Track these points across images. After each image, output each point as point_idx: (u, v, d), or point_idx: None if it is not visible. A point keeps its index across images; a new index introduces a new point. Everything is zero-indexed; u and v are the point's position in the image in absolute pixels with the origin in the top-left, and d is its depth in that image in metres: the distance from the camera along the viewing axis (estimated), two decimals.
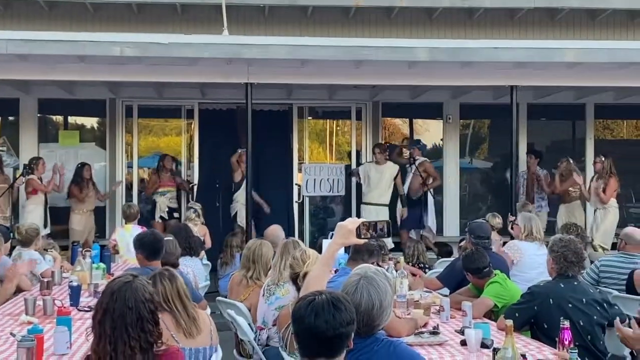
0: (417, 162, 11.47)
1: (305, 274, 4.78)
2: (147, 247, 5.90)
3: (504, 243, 7.82)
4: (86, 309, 5.74)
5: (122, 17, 12.25)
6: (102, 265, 7.14)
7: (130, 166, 12.21)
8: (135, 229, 8.76)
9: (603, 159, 10.92)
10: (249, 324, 5.59)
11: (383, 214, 10.88)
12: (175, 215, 11.39)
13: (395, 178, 11.35)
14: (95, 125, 12.78)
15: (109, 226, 11.85)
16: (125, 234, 8.94)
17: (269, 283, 5.51)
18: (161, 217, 11.33)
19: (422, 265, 8.53)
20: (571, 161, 11.39)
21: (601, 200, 10.77)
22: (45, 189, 10.63)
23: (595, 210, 11.06)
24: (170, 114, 12.72)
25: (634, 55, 9.60)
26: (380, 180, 11.21)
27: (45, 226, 10.48)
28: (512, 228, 8.11)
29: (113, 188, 11.69)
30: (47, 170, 10.77)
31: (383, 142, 12.00)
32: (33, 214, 10.41)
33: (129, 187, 12.11)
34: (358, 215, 11.10)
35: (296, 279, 4.89)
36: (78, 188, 10.94)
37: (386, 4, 12.64)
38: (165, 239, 6.27)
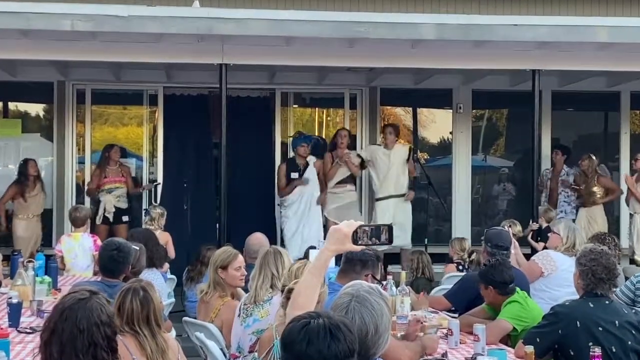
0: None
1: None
2: (106, 260, 5.89)
3: (527, 255, 7.81)
4: (28, 330, 5.71)
5: None
6: (48, 278, 7.09)
7: (82, 162, 12.18)
8: (85, 238, 8.69)
9: None
10: (221, 349, 5.58)
11: (403, 208, 10.94)
12: (125, 218, 11.22)
13: (407, 161, 11.31)
14: (41, 113, 12.76)
15: (56, 232, 11.82)
16: (72, 243, 8.82)
17: (245, 302, 5.49)
18: (105, 219, 11.10)
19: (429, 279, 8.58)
20: (594, 158, 11.42)
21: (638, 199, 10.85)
22: None
23: (631, 216, 11.10)
24: (130, 101, 12.72)
25: None
26: (390, 167, 11.19)
27: None
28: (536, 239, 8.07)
29: (147, 188, 11.72)
30: None
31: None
32: None
33: (81, 187, 12.04)
34: (370, 219, 11.13)
35: (288, 296, 4.88)
36: (21, 188, 10.88)
37: None
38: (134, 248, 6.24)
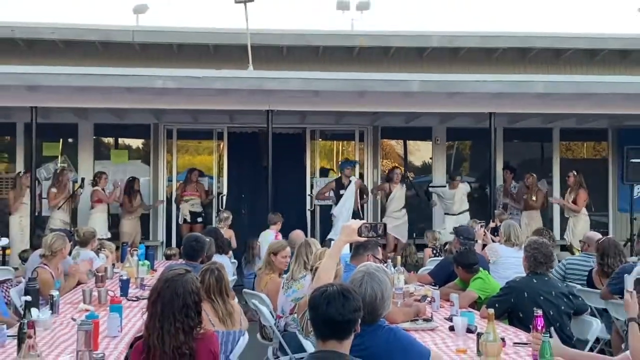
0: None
1: None
2: (188, 248, 5.93)
3: (484, 245, 7.75)
4: (134, 299, 5.75)
5: (164, 55, 12.34)
6: (147, 262, 7.15)
7: (170, 180, 12.22)
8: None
9: (575, 173, 10.91)
10: (269, 312, 5.58)
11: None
12: (199, 219, 11.33)
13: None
14: (141, 146, 12.81)
15: (152, 230, 11.89)
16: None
17: (287, 278, 5.50)
18: (185, 220, 11.26)
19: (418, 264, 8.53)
20: (535, 176, 11.40)
21: (573, 210, 10.74)
22: (107, 200, 10.74)
23: (568, 219, 11.01)
24: (204, 136, 12.71)
25: (592, 87, 9.61)
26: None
27: (108, 230, 10.59)
28: (493, 233, 8.01)
29: (156, 205, 11.71)
30: (108, 183, 10.89)
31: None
32: (98, 220, 10.46)
33: (169, 198, 12.13)
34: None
35: (315, 270, 4.91)
36: (128, 198, 11.00)
37: (384, 44, 12.70)
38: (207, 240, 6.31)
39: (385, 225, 3.80)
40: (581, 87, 9.61)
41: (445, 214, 11.45)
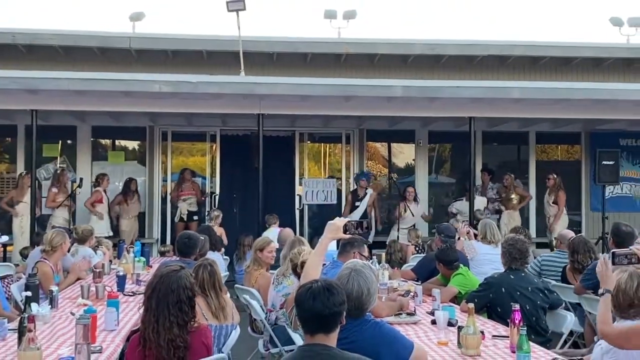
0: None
1: (302, 263, 4.80)
2: (181, 245, 5.90)
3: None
4: (130, 294, 5.72)
5: (160, 61, 12.27)
6: (143, 259, 7.13)
7: (164, 180, 12.19)
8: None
9: (555, 176, 10.95)
10: (260, 306, 5.57)
11: None
12: (195, 218, 11.27)
13: None
14: (137, 147, 12.74)
15: (148, 228, 11.84)
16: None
17: (278, 274, 5.49)
18: (181, 219, 11.20)
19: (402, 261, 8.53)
20: (512, 176, 11.45)
21: (554, 209, 10.79)
22: (91, 208, 10.57)
23: (548, 218, 11.05)
24: (197, 139, 12.66)
25: (566, 93, 9.65)
26: None
27: (109, 229, 10.53)
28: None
29: (205, 197, 11.66)
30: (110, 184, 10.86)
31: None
32: (99, 219, 10.40)
33: (164, 197, 12.08)
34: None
35: (295, 268, 4.90)
36: (125, 198, 10.94)
37: (370, 51, 12.71)
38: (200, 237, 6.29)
39: (369, 222, 3.85)
40: (556, 93, 9.65)
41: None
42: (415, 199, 11.27)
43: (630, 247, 3.93)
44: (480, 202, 11.04)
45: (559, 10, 34.26)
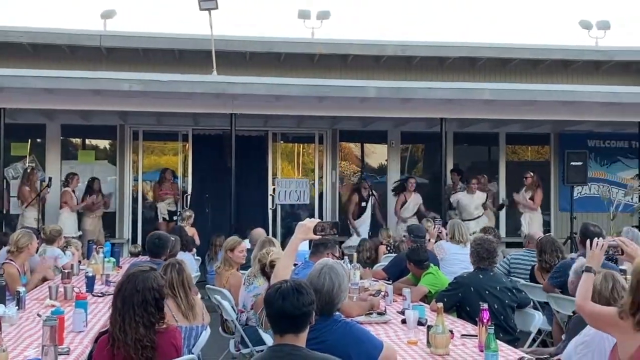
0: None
1: (270, 263, 4.79)
2: (151, 246, 5.85)
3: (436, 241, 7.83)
4: (99, 294, 5.66)
5: (131, 59, 12.14)
6: (112, 259, 7.05)
7: (135, 180, 12.06)
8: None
9: (532, 174, 11.09)
10: (231, 306, 5.55)
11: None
12: (174, 218, 11.22)
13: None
14: (108, 146, 12.60)
15: (118, 228, 11.72)
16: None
17: (249, 274, 5.47)
18: (163, 219, 11.15)
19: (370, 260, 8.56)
20: (486, 177, 11.57)
21: (530, 207, 10.90)
22: (72, 206, 10.43)
23: (522, 214, 11.14)
24: (169, 138, 12.55)
25: (536, 95, 9.79)
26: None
27: (78, 229, 10.39)
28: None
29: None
30: (80, 184, 10.71)
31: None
32: (67, 219, 10.26)
33: (135, 197, 11.97)
34: None
35: (263, 268, 4.89)
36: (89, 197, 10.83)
37: (343, 52, 12.74)
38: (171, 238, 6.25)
39: (338, 224, 3.85)
40: (525, 95, 9.79)
41: (463, 220, 11.34)
42: (415, 190, 11.36)
43: (615, 239, 4.02)
44: (480, 194, 11.14)
45: (530, 12, 34.72)
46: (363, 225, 11.22)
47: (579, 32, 15.28)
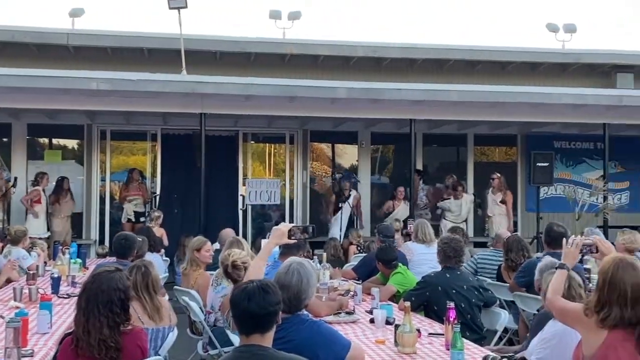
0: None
1: (233, 264, 4.76)
2: (117, 246, 5.78)
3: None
4: (65, 296, 5.57)
5: (99, 58, 11.99)
6: (79, 260, 6.96)
7: (103, 180, 11.93)
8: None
9: (499, 175, 11.20)
10: (199, 308, 5.51)
11: None
12: (142, 219, 11.09)
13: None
14: (75, 146, 12.43)
15: (85, 228, 11.56)
16: None
17: (217, 275, 5.44)
18: (128, 220, 11.02)
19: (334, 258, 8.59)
20: (455, 177, 11.68)
21: (508, 213, 11.03)
22: (26, 203, 10.25)
23: (489, 217, 11.26)
24: (138, 138, 12.44)
25: (503, 97, 9.92)
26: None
27: (47, 230, 10.23)
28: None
29: (148, 199, 11.38)
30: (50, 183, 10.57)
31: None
32: (35, 220, 10.09)
33: (103, 197, 11.82)
34: None
35: (226, 269, 4.87)
36: (57, 197, 10.65)
37: (313, 52, 12.75)
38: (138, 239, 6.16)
39: (314, 227, 3.88)
40: (492, 97, 9.91)
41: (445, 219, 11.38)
42: (405, 199, 11.35)
43: (591, 237, 4.09)
44: (467, 199, 11.30)
45: (498, 15, 35.17)
46: (335, 224, 11.15)
47: (546, 35, 15.54)
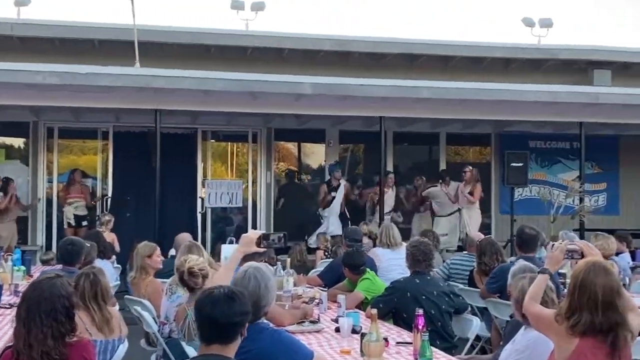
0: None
1: (189, 270, 4.70)
2: (63, 252, 5.68)
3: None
4: (6, 306, 5.46)
5: (46, 50, 11.78)
6: (23, 267, 6.83)
7: (50, 181, 11.73)
8: None
9: (471, 168, 11.31)
10: (153, 318, 5.44)
11: None
12: (84, 223, 10.92)
13: None
14: (20, 145, 12.21)
15: (31, 234, 11.36)
16: None
17: (171, 282, 5.37)
18: (69, 224, 10.85)
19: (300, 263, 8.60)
20: (424, 178, 11.79)
21: (469, 201, 11.12)
22: None
23: (459, 211, 11.30)
24: (88, 136, 12.26)
25: (475, 94, 10.04)
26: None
27: None
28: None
29: (34, 203, 11.19)
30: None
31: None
32: None
33: (50, 200, 11.62)
34: None
35: (182, 277, 4.82)
36: (1, 200, 10.45)
37: (278, 45, 12.72)
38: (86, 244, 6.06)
39: (285, 235, 3.92)
40: (464, 94, 10.02)
41: (436, 216, 11.53)
42: (392, 186, 11.51)
43: (576, 242, 4.14)
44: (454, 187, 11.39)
45: (473, 9, 35.58)
46: (332, 213, 11.24)
47: (522, 30, 15.75)
